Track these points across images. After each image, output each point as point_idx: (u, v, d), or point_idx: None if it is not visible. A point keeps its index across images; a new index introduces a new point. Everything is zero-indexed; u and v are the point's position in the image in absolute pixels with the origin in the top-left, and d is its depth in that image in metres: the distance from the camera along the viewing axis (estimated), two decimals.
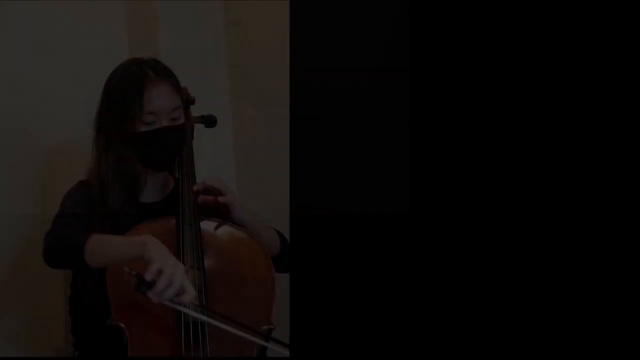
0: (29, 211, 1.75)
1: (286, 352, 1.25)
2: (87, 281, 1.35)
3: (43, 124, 1.76)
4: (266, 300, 1.38)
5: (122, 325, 1.25)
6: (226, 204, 1.44)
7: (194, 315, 1.22)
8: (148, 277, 1.13)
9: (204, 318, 1.23)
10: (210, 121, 1.61)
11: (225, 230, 1.44)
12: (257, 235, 1.46)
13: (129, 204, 1.40)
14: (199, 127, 1.60)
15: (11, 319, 1.75)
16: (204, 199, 1.43)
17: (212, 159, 1.93)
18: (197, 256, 1.34)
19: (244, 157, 2.10)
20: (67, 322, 1.64)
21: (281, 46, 1.92)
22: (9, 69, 1.71)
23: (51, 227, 1.34)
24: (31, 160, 1.76)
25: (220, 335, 1.25)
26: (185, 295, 1.16)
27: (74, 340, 1.53)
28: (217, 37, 2.11)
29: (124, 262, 1.19)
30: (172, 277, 1.13)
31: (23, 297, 1.75)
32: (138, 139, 1.38)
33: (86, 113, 1.45)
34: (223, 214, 1.46)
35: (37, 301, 1.75)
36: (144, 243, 1.19)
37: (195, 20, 2.06)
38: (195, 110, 1.57)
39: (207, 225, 1.42)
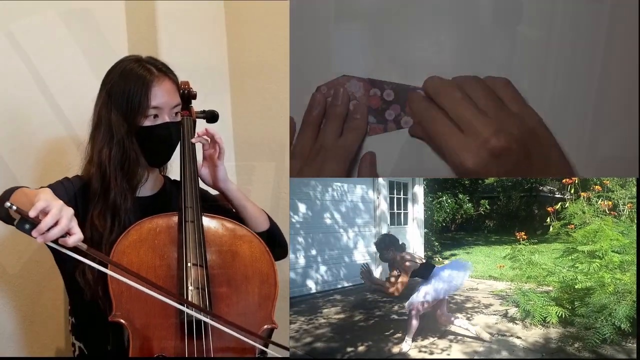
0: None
1: (286, 353, 1.25)
2: (87, 275, 1.33)
3: (41, 121, 1.75)
4: (268, 298, 1.37)
5: (123, 321, 1.24)
6: (221, 148, 1.48)
7: (197, 316, 1.21)
8: (32, 213, 1.06)
9: (206, 319, 1.21)
10: (211, 116, 1.60)
11: (227, 227, 1.42)
12: (242, 207, 1.50)
13: (129, 198, 1.40)
14: (200, 123, 1.59)
15: (11, 319, 1.74)
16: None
17: None
18: (199, 253, 1.33)
19: (244, 153, 2.10)
20: (67, 322, 1.63)
21: (281, 45, 1.93)
22: (8, 66, 1.70)
23: None
24: (28, 157, 1.75)
25: (222, 330, 1.23)
26: (71, 238, 1.10)
27: (74, 340, 1.52)
28: (217, 36, 2.11)
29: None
30: (58, 217, 1.08)
31: (23, 297, 1.73)
32: (142, 134, 1.39)
33: (85, 111, 1.44)
34: (209, 165, 1.50)
35: (37, 301, 1.74)
36: (39, 192, 1.15)
37: (195, 19, 2.05)
38: (197, 106, 1.57)
39: (209, 223, 1.41)
